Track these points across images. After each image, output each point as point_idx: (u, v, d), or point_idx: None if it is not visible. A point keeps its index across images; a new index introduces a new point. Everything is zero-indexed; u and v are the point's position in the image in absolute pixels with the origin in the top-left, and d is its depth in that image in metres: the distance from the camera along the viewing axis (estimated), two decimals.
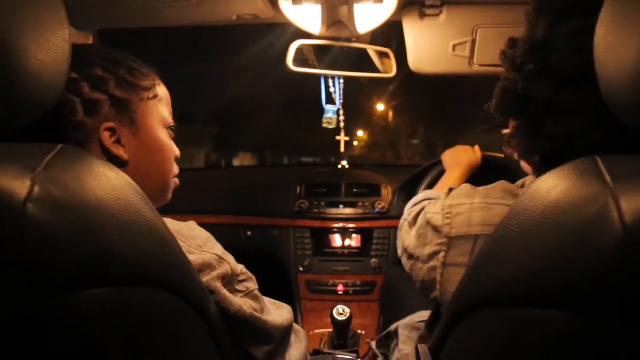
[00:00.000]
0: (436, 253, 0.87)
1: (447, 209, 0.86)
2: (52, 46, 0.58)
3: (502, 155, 1.50)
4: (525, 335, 0.50)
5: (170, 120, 0.86)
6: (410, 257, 0.96)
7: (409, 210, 1.04)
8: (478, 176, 1.35)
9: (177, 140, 0.90)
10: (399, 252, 1.04)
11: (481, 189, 0.87)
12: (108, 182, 0.53)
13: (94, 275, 0.49)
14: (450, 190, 0.92)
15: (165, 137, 0.84)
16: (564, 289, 0.45)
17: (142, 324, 0.56)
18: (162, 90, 0.86)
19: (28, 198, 0.45)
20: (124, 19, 1.38)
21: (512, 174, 1.24)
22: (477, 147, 1.48)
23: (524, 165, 0.84)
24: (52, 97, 0.60)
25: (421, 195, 1.16)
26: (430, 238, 0.89)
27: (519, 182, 0.85)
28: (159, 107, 0.84)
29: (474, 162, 1.40)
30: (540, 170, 0.76)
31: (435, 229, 0.88)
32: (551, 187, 0.50)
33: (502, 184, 0.85)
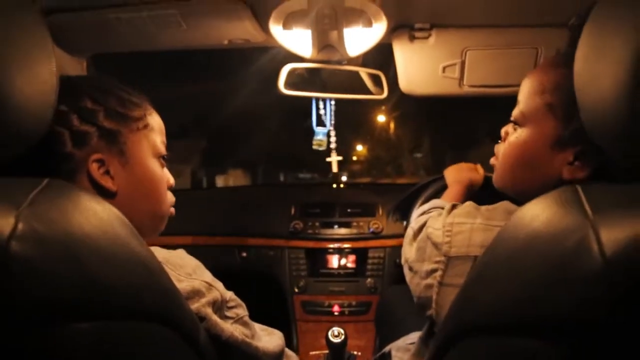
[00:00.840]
0: (434, 271, 0.86)
1: (447, 227, 0.86)
2: (39, 79, 0.58)
3: None
4: None
5: (162, 149, 0.85)
6: (410, 269, 0.96)
7: (416, 220, 1.04)
8: (479, 195, 1.35)
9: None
10: (402, 260, 1.03)
11: (483, 208, 0.86)
12: (94, 216, 0.53)
13: (81, 308, 0.49)
14: (453, 206, 0.92)
15: (155, 166, 0.83)
16: (545, 318, 0.45)
17: (130, 355, 0.56)
18: (154, 119, 0.85)
19: (12, 235, 0.45)
20: (117, 44, 1.39)
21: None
22: (479, 166, 1.49)
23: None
24: (39, 129, 0.60)
25: (428, 204, 1.16)
26: (429, 253, 0.89)
27: None
28: (150, 136, 0.83)
29: (475, 180, 1.41)
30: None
31: (435, 245, 0.87)
32: (534, 216, 0.50)
33: (504, 204, 0.85)
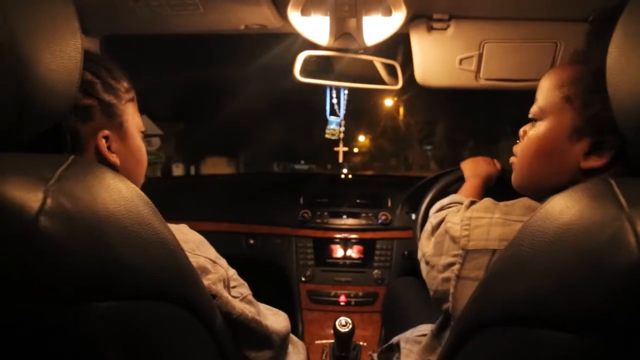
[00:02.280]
0: (451, 264, 0.87)
1: (466, 221, 0.87)
2: (64, 56, 0.58)
3: None
4: (535, 356, 0.49)
5: (142, 123, 0.86)
6: (427, 263, 0.96)
7: (435, 215, 1.05)
8: (496, 190, 1.35)
9: None
10: (419, 255, 1.04)
11: (502, 204, 0.87)
12: (119, 194, 0.53)
13: (103, 287, 0.49)
14: (472, 202, 0.92)
15: (140, 140, 0.84)
16: (577, 311, 0.44)
17: (149, 336, 0.56)
18: (134, 93, 0.85)
19: (40, 210, 0.44)
20: (132, 26, 1.38)
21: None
22: (496, 161, 1.49)
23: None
24: (64, 106, 0.60)
25: (447, 199, 1.16)
26: (447, 247, 0.90)
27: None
28: (135, 110, 0.83)
29: (492, 174, 1.41)
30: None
31: (453, 239, 0.88)
32: (564, 208, 0.49)
33: (524, 200, 0.85)
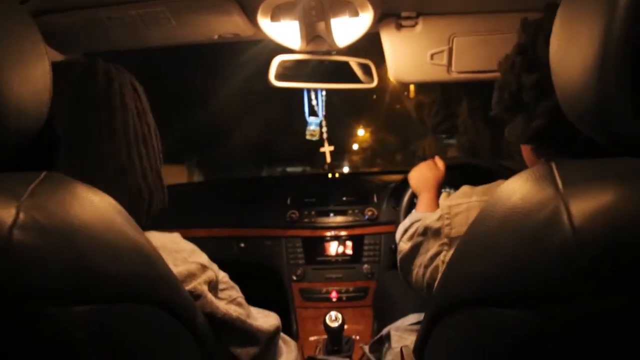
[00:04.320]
0: (438, 254, 0.90)
1: (445, 210, 0.89)
2: (33, 79, 0.61)
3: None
4: (494, 334, 0.53)
5: None
6: (411, 271, 1.00)
7: (405, 242, 1.08)
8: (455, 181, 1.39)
9: None
10: (400, 270, 1.08)
11: (479, 187, 0.89)
12: (91, 205, 0.55)
13: (79, 293, 0.51)
14: (449, 193, 0.95)
15: None
16: (522, 289, 0.48)
17: (129, 339, 0.58)
18: None
19: (14, 225, 0.47)
20: (108, 43, 1.40)
21: (475, 168, 1.46)
22: (437, 158, 1.51)
23: (526, 157, 0.88)
24: (35, 126, 0.63)
25: (408, 220, 1.18)
26: (431, 244, 0.92)
27: None
28: None
29: (440, 176, 1.43)
30: (539, 154, 0.81)
31: (435, 234, 0.91)
32: (511, 192, 0.53)
33: (500, 182, 0.87)
